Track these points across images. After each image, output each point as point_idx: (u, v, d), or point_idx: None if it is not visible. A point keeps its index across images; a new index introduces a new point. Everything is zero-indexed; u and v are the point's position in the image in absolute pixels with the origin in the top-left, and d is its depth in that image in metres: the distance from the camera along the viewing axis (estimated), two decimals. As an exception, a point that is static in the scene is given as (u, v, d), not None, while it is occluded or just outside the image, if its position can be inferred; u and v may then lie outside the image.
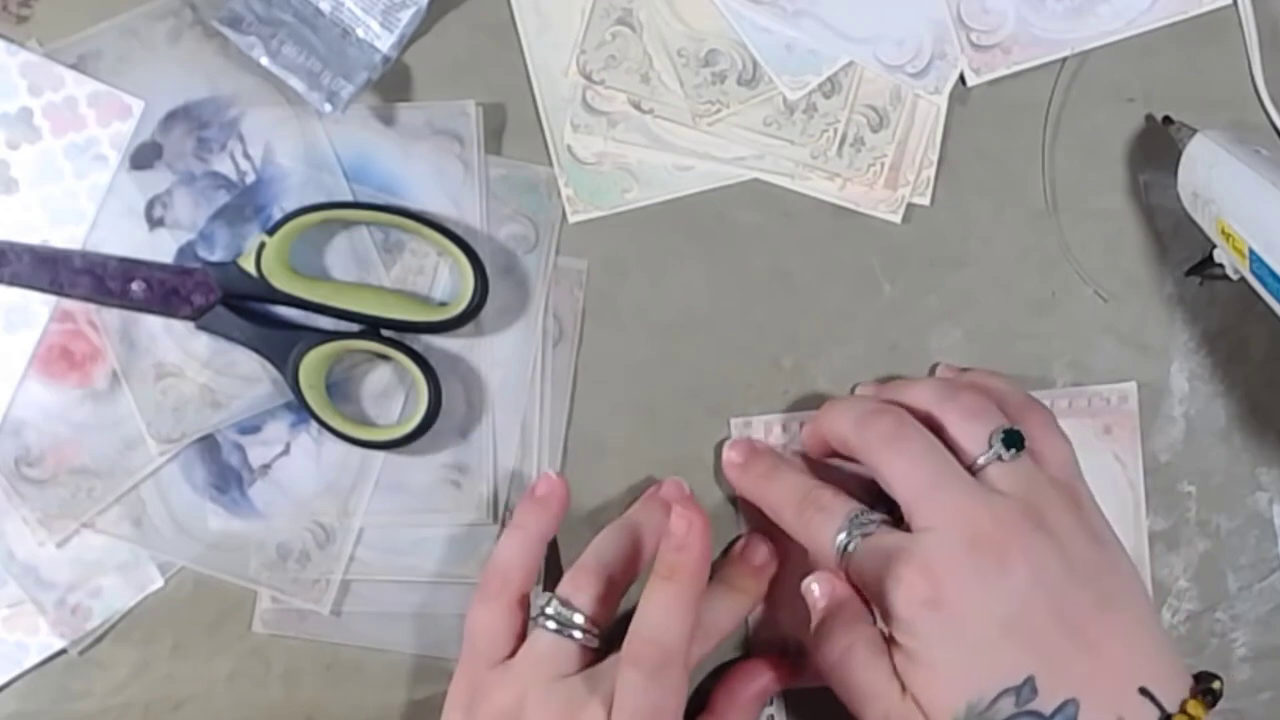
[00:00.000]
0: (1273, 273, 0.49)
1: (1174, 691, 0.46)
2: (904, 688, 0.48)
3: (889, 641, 0.49)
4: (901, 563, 0.47)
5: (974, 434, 0.50)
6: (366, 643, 0.58)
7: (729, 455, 0.56)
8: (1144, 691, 0.46)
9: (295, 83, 0.54)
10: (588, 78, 0.57)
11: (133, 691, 0.58)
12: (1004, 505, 0.48)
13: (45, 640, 0.57)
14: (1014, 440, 0.50)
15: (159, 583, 0.57)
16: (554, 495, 0.55)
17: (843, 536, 0.50)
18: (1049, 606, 0.46)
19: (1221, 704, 0.47)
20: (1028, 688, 0.45)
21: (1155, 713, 0.45)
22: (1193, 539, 0.59)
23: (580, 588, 0.51)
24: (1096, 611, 0.47)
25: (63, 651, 0.57)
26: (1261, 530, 0.59)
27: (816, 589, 0.51)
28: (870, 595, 0.50)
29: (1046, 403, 0.54)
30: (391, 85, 0.57)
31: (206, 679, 0.58)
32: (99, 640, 0.57)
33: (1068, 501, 0.49)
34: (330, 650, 0.58)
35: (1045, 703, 0.45)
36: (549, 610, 0.51)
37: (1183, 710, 0.45)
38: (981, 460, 0.50)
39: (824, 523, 0.51)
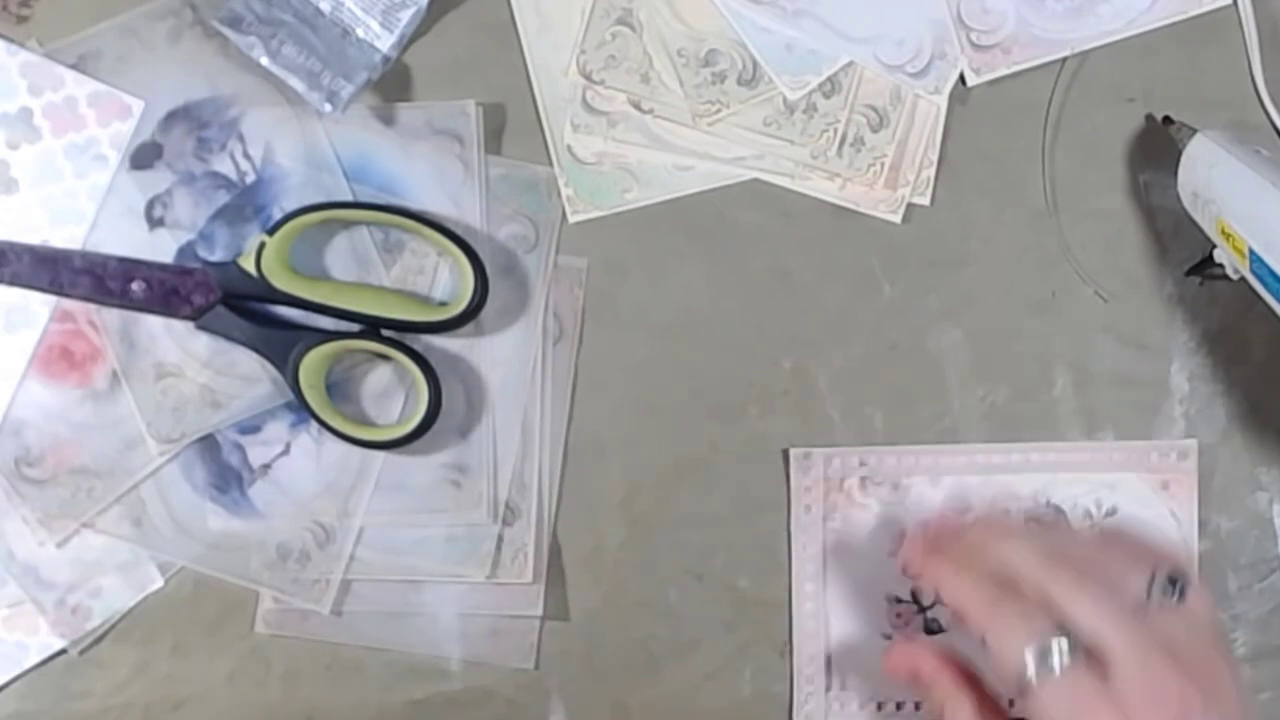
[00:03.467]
0: (1273, 273, 0.49)
1: None
2: None
3: None
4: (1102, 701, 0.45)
5: (1135, 576, 0.48)
6: (366, 642, 0.58)
7: (914, 542, 0.53)
8: None
9: (295, 83, 0.54)
10: (588, 78, 0.57)
11: (133, 691, 0.58)
12: (1182, 656, 0.46)
13: (45, 640, 0.57)
14: (1178, 579, 0.47)
15: (159, 583, 0.57)
16: None
17: (1042, 656, 0.46)
18: None
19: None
20: None
21: None
22: (1193, 539, 0.59)
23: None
24: None
25: (63, 651, 0.57)
26: (1261, 530, 0.59)
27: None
28: None
29: (1107, 454, 0.52)
30: (391, 85, 0.57)
31: (206, 679, 0.58)
32: (99, 640, 0.57)
33: (1225, 674, 0.47)
34: (330, 650, 0.58)
35: None
36: None
37: None
38: (1149, 599, 0.47)
39: (1017, 634, 0.47)
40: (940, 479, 0.55)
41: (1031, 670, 0.46)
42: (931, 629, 0.56)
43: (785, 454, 0.56)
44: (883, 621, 0.56)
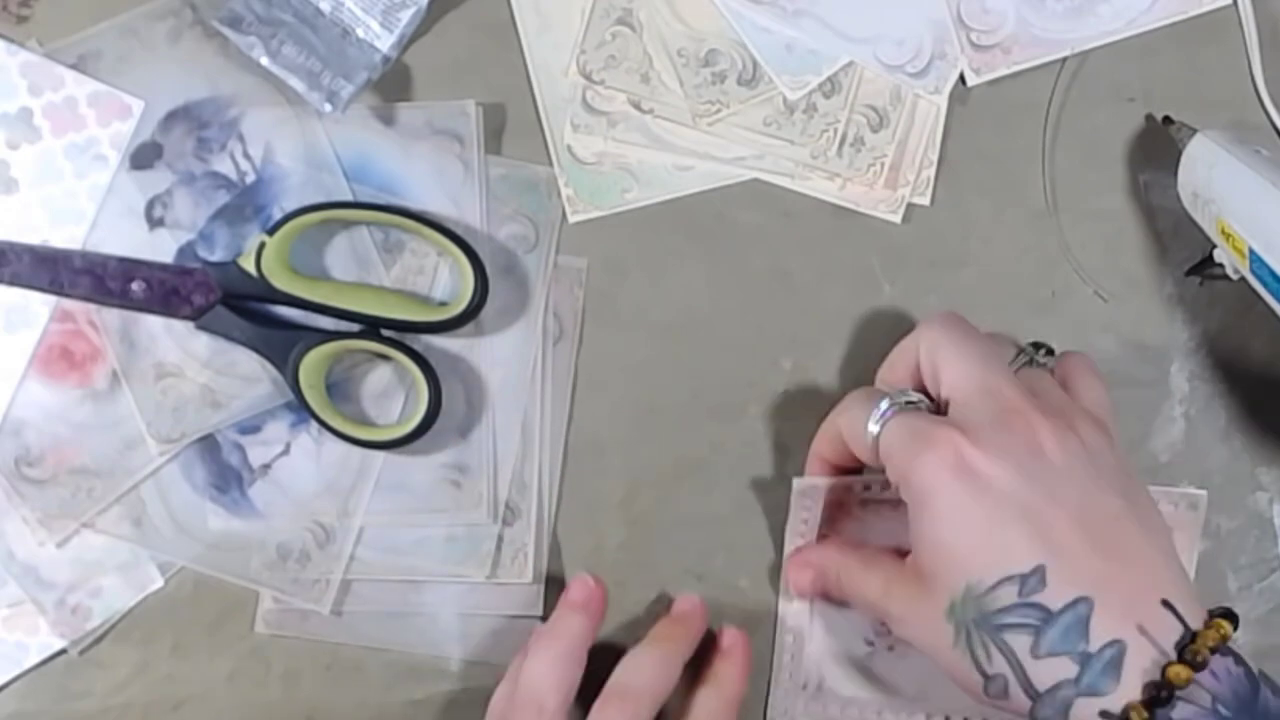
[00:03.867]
0: (1273, 273, 0.49)
1: (1196, 614, 0.43)
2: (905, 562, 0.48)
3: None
4: (935, 428, 0.46)
5: (1007, 347, 0.51)
6: (366, 642, 0.58)
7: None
8: (1166, 604, 0.43)
9: (295, 83, 0.54)
10: (588, 78, 0.57)
11: (133, 691, 0.58)
12: (1041, 398, 0.47)
13: (45, 640, 0.57)
14: (1046, 347, 0.50)
15: (159, 583, 0.57)
16: (592, 600, 0.55)
17: (880, 411, 0.49)
18: (1073, 500, 0.44)
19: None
20: (1035, 578, 0.43)
21: (1178, 627, 0.43)
22: (1193, 539, 0.59)
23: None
24: (1121, 521, 0.44)
25: (63, 651, 0.57)
26: (1261, 530, 0.59)
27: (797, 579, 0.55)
28: (895, 470, 0.48)
29: None
30: (391, 85, 0.57)
31: (206, 679, 0.58)
32: (99, 640, 0.57)
33: (1099, 426, 0.48)
34: (330, 650, 0.58)
35: (1053, 597, 0.43)
36: None
37: (1209, 626, 0.43)
38: (1013, 364, 0.49)
39: (863, 410, 0.49)
40: None
41: (875, 425, 0.49)
42: None
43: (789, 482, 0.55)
44: (866, 628, 0.55)
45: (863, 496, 0.54)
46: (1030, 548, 0.44)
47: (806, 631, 0.56)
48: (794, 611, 0.56)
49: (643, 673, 0.52)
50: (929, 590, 0.46)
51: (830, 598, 0.55)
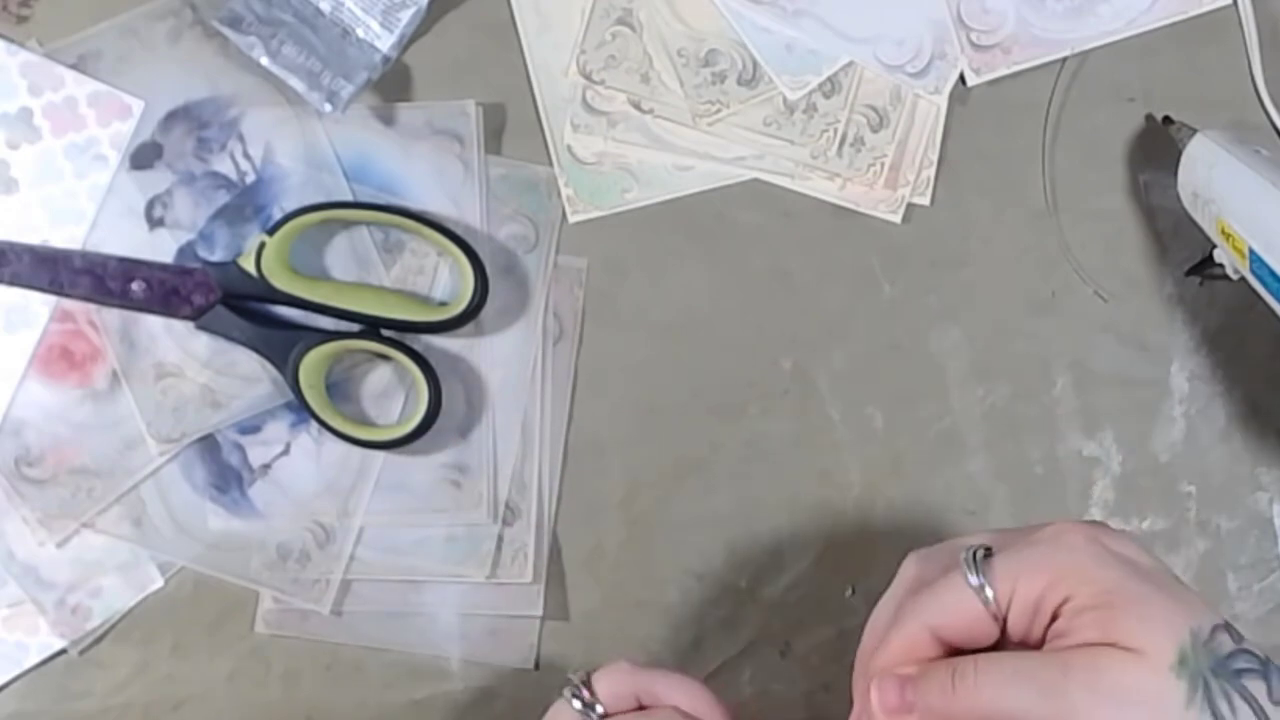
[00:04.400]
0: (1273, 273, 0.49)
1: None
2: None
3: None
4: (1043, 529, 0.42)
5: None
6: (366, 642, 0.58)
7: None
8: None
9: (295, 83, 0.54)
10: (588, 78, 0.57)
11: (133, 691, 0.58)
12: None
13: (45, 640, 0.57)
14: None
15: (159, 583, 0.57)
16: None
17: (969, 555, 0.43)
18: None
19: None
20: (1229, 627, 0.42)
21: None
22: (1192, 539, 0.59)
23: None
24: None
25: (63, 651, 0.57)
26: (1261, 530, 0.59)
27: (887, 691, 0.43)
28: (1036, 578, 0.42)
29: None
30: (391, 85, 0.57)
31: (206, 679, 0.58)
32: (99, 640, 0.57)
33: None
34: (330, 650, 0.58)
35: (1247, 644, 0.41)
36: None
37: None
38: None
39: (948, 590, 0.43)
40: None
41: (974, 578, 0.42)
42: None
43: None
44: None
45: None
46: (1203, 604, 0.42)
47: None
48: None
49: None
50: (1139, 653, 0.40)
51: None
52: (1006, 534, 0.44)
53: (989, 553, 0.43)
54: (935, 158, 0.58)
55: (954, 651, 0.43)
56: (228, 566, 0.57)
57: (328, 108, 0.54)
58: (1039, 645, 0.42)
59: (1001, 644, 0.43)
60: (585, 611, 0.58)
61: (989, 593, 0.42)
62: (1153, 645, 0.40)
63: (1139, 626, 0.40)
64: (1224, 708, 0.40)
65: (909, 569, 0.45)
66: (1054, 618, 0.41)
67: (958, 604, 0.42)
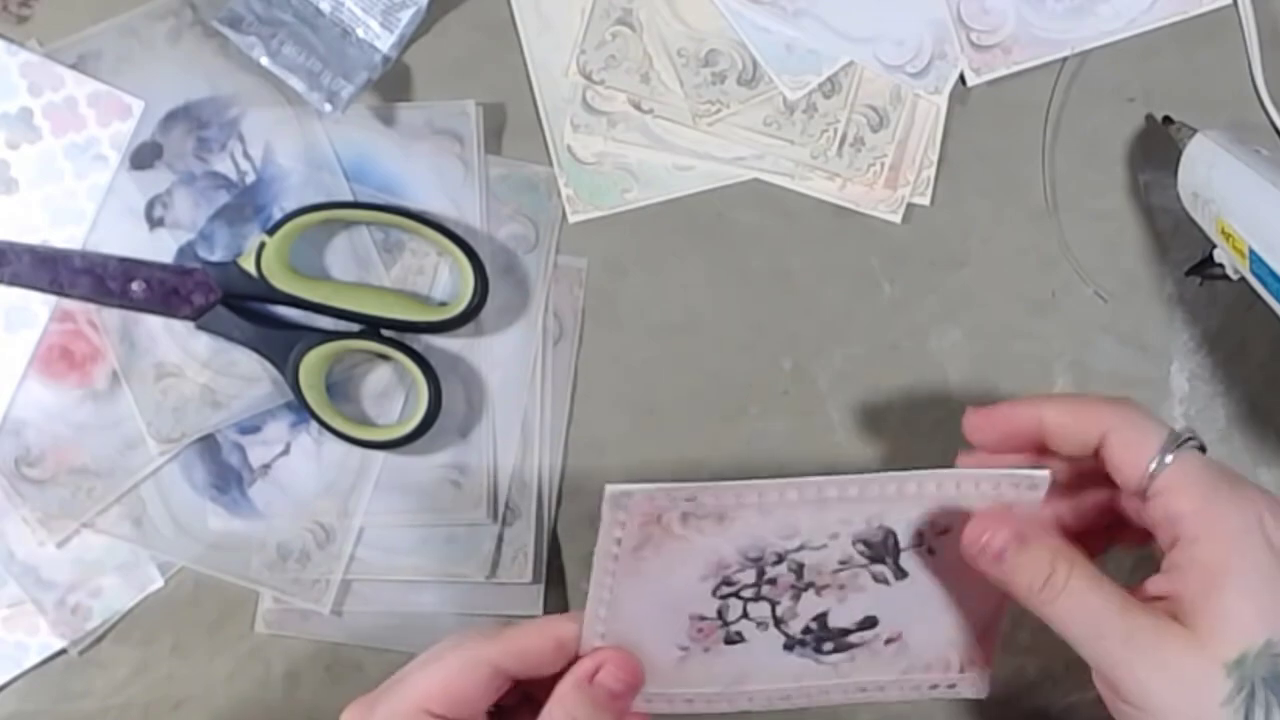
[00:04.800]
0: (1273, 273, 0.49)
1: None
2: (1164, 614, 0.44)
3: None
4: (1245, 484, 0.44)
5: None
6: (366, 642, 0.58)
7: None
8: None
9: (295, 83, 0.54)
10: (588, 78, 0.57)
11: (133, 691, 0.58)
12: None
13: (45, 640, 0.57)
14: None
15: (159, 583, 0.57)
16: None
17: (1172, 442, 0.45)
18: None
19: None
20: None
21: None
22: (1193, 539, 0.59)
23: None
24: None
25: (63, 651, 0.57)
26: (1261, 530, 0.59)
27: (999, 537, 0.45)
28: (1181, 507, 0.44)
29: (954, 483, 0.47)
30: (391, 85, 0.57)
31: (206, 679, 0.58)
32: (99, 640, 0.57)
33: None
34: (330, 650, 0.58)
35: None
36: None
37: None
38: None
39: (1142, 433, 0.45)
40: (771, 511, 0.47)
41: (1168, 456, 0.45)
42: (733, 640, 0.49)
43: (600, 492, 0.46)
44: (681, 636, 0.48)
45: (685, 509, 0.46)
46: None
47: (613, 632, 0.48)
48: (601, 612, 0.47)
49: None
50: (1204, 642, 0.43)
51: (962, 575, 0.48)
52: (1224, 470, 0.46)
53: (1201, 449, 0.45)
54: (935, 158, 0.58)
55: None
56: (228, 566, 0.57)
57: (328, 108, 0.54)
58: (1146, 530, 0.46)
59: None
60: (585, 611, 0.58)
61: (1153, 472, 0.45)
62: (1224, 638, 0.42)
63: (1223, 617, 0.42)
64: (1259, 715, 0.42)
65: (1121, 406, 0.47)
66: (1175, 541, 0.44)
67: (1125, 453, 0.46)
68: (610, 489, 0.45)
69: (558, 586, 0.58)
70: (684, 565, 0.47)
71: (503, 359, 0.58)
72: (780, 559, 0.47)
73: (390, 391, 0.57)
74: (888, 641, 0.49)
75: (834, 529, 0.47)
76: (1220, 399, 0.59)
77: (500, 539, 0.57)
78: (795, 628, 0.48)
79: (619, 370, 0.58)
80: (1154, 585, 0.45)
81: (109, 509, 0.56)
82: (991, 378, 0.59)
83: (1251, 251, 0.50)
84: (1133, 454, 0.45)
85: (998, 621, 0.49)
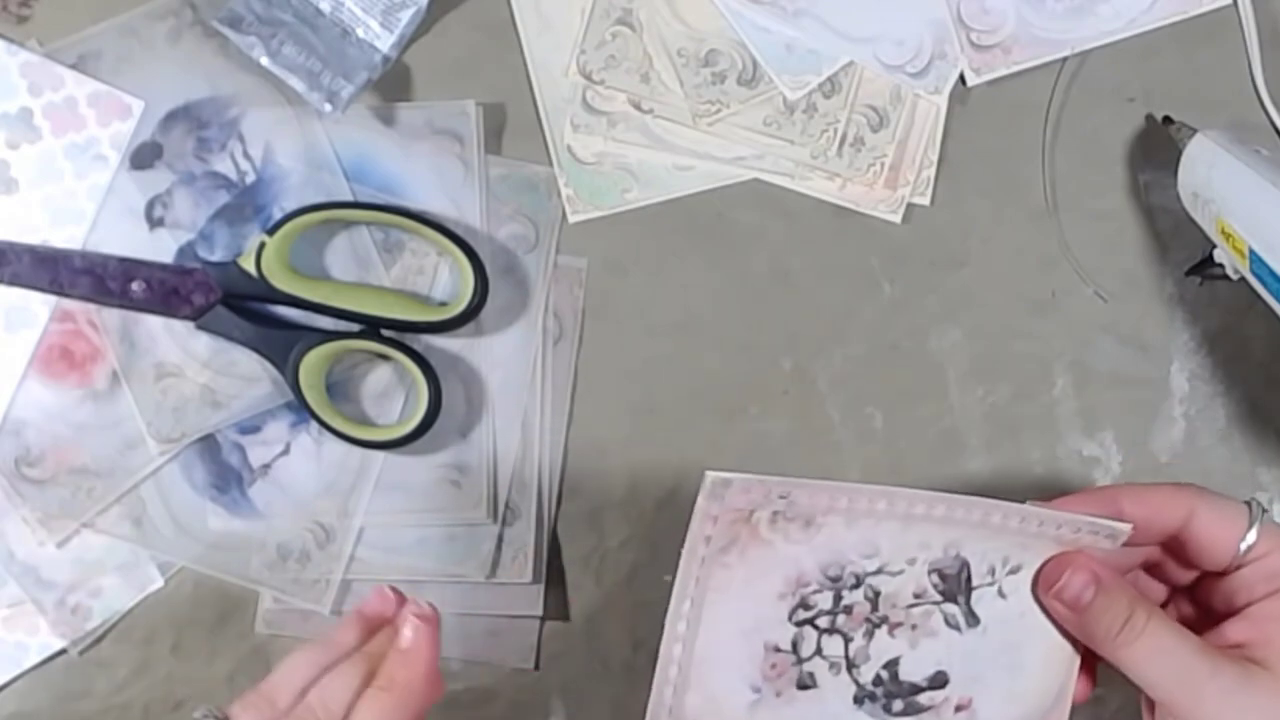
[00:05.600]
0: (1273, 273, 0.49)
1: None
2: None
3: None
4: None
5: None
6: (366, 643, 0.58)
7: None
8: None
9: (295, 83, 0.54)
10: (588, 78, 0.57)
11: (133, 691, 0.58)
12: None
13: (45, 640, 0.57)
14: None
15: (159, 583, 0.57)
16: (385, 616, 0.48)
17: (1259, 514, 0.46)
18: None
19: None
20: None
21: None
22: (1193, 539, 0.59)
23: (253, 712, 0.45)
24: None
25: (63, 651, 0.57)
26: (1261, 530, 0.59)
27: (1078, 579, 0.46)
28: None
29: (1036, 522, 0.47)
30: (391, 85, 0.57)
31: (206, 679, 0.58)
32: (99, 640, 0.57)
33: None
34: (330, 650, 0.58)
35: None
36: None
37: None
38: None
39: (1221, 513, 0.46)
40: (857, 522, 0.46)
41: (1253, 534, 0.46)
42: (805, 684, 0.48)
43: (702, 476, 0.44)
44: (754, 673, 0.47)
45: (777, 507, 0.45)
46: None
47: (689, 672, 0.47)
48: (679, 636, 0.46)
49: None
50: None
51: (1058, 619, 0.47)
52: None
53: (1262, 507, 0.46)
54: (935, 158, 0.58)
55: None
56: (228, 566, 0.57)
57: (328, 108, 0.54)
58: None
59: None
60: (585, 611, 0.58)
61: (1252, 542, 0.45)
62: None
63: None
64: None
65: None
66: (1273, 594, 0.45)
67: (1218, 536, 0.46)
68: (711, 475, 0.44)
69: (558, 586, 0.58)
70: (765, 577, 0.46)
71: (503, 359, 0.58)
72: (858, 582, 0.46)
73: (390, 391, 0.57)
74: (957, 709, 0.48)
75: (913, 553, 0.47)
76: (1220, 399, 0.59)
77: (500, 539, 0.57)
78: (867, 675, 0.47)
79: (619, 370, 0.58)
80: (1235, 630, 0.45)
81: (109, 509, 0.56)
82: (991, 378, 0.59)
83: (1251, 251, 0.50)
84: (1221, 538, 0.46)
85: (1064, 701, 0.48)
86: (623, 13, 0.57)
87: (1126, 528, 0.47)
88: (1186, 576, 0.49)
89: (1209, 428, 0.59)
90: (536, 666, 0.58)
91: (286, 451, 0.57)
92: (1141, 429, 0.59)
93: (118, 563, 0.57)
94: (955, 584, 0.47)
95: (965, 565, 0.47)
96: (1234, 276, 0.54)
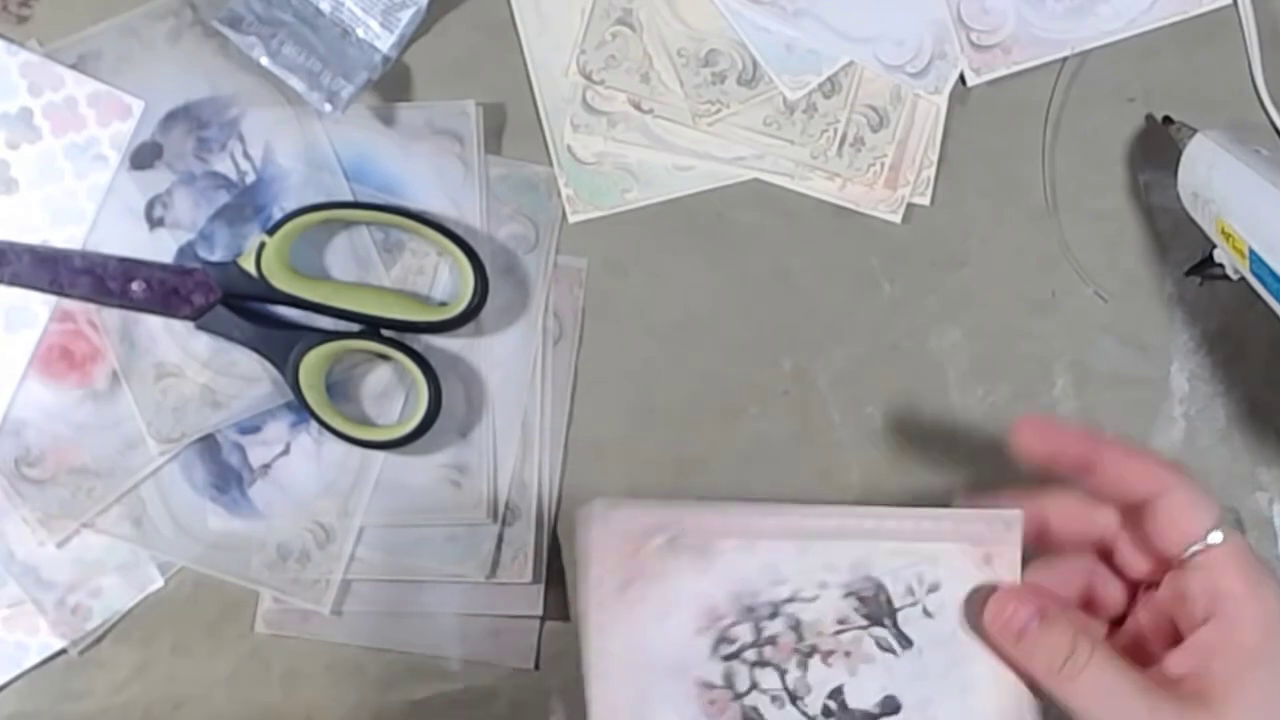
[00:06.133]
0: (1273, 273, 0.49)
1: None
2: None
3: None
4: (1272, 574, 0.45)
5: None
6: (366, 642, 0.58)
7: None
8: None
9: (295, 83, 0.54)
10: (588, 78, 0.57)
11: (133, 691, 0.58)
12: None
13: (45, 640, 0.57)
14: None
15: (159, 583, 0.57)
16: None
17: (1224, 521, 0.45)
18: None
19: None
20: None
21: None
22: (1193, 539, 0.59)
23: None
24: None
25: (63, 651, 0.57)
26: (1261, 530, 0.59)
27: (1021, 612, 0.45)
28: (1221, 585, 0.44)
29: (933, 522, 0.47)
30: (391, 85, 0.57)
31: (206, 679, 0.58)
32: (99, 640, 0.57)
33: None
34: (330, 650, 0.58)
35: None
36: None
37: None
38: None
39: (1194, 511, 0.45)
40: (754, 545, 0.46)
41: (1217, 535, 0.45)
42: (749, 718, 0.46)
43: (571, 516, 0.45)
44: (696, 712, 0.46)
45: (668, 535, 0.45)
46: None
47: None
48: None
49: None
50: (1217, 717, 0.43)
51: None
52: (1260, 557, 0.45)
53: (1240, 526, 0.46)
54: (935, 158, 0.58)
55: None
56: (228, 566, 0.57)
57: (328, 108, 0.54)
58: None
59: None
60: (585, 611, 0.58)
61: (1208, 544, 0.44)
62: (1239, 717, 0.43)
63: (1256, 702, 0.43)
64: None
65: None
66: (1208, 618, 0.44)
67: (1178, 517, 0.45)
68: (582, 510, 0.43)
69: (558, 586, 0.58)
70: (675, 613, 0.46)
71: (503, 359, 0.58)
72: (775, 612, 0.46)
73: (390, 391, 0.57)
74: None
75: (820, 575, 0.46)
76: (1220, 399, 0.59)
77: (500, 539, 0.57)
78: (814, 706, 0.46)
79: (619, 370, 0.58)
80: (1176, 663, 0.45)
81: (109, 509, 0.56)
82: (991, 378, 0.59)
83: (1251, 251, 0.50)
84: (1185, 521, 0.45)
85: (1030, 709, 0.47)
86: (623, 13, 0.57)
87: (1018, 513, 0.46)
88: (1142, 567, 0.47)
89: (1209, 428, 0.59)
90: (536, 666, 0.58)
91: (286, 451, 0.57)
92: (1141, 429, 0.59)
93: (118, 563, 0.57)
94: (876, 606, 0.47)
95: (880, 587, 0.47)
96: (1234, 276, 0.54)
